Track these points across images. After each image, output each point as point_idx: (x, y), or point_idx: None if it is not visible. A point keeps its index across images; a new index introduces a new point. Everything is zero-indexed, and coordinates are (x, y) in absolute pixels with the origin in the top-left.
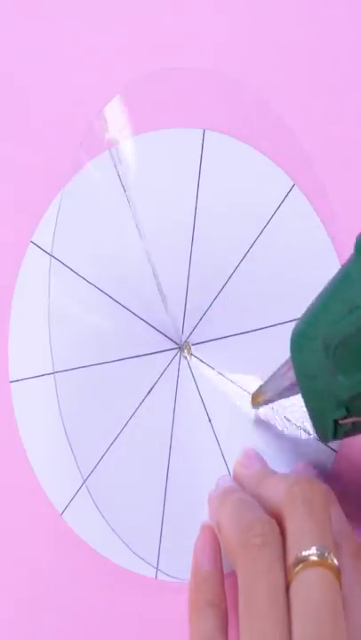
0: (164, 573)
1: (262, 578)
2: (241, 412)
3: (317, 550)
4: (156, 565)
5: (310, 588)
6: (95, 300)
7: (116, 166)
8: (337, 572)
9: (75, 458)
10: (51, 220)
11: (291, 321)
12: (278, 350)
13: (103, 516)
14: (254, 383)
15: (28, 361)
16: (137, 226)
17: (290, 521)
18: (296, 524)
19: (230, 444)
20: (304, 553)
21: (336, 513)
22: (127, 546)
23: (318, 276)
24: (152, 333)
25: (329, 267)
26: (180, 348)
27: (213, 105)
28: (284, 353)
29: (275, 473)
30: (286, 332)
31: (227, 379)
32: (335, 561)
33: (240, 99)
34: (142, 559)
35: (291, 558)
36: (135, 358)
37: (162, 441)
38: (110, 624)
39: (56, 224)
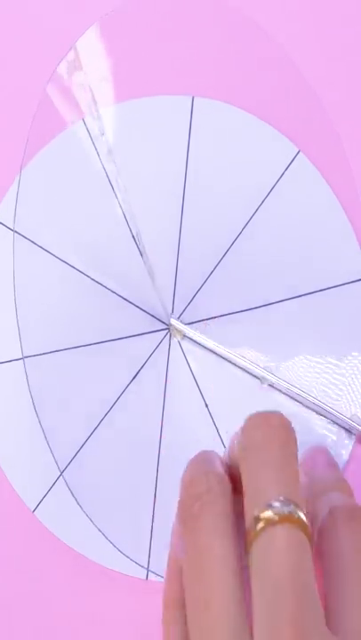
0: (156, 574)
1: (206, 555)
2: (242, 395)
3: (279, 504)
4: (146, 566)
5: (269, 552)
6: (69, 277)
7: (91, 135)
8: (306, 528)
9: (50, 448)
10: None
11: (291, 298)
12: (278, 328)
13: (85, 513)
14: (256, 364)
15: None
16: (117, 196)
17: (244, 474)
18: (251, 477)
19: (231, 432)
20: (261, 513)
21: (323, 459)
22: (114, 545)
23: (329, 249)
24: (136, 313)
25: (343, 241)
26: (170, 329)
27: (205, 69)
28: (283, 331)
29: None
30: (287, 309)
31: (225, 360)
32: (303, 516)
33: (235, 58)
34: (132, 560)
35: (248, 521)
36: (117, 341)
37: (150, 431)
38: (96, 629)
39: (17, 198)
